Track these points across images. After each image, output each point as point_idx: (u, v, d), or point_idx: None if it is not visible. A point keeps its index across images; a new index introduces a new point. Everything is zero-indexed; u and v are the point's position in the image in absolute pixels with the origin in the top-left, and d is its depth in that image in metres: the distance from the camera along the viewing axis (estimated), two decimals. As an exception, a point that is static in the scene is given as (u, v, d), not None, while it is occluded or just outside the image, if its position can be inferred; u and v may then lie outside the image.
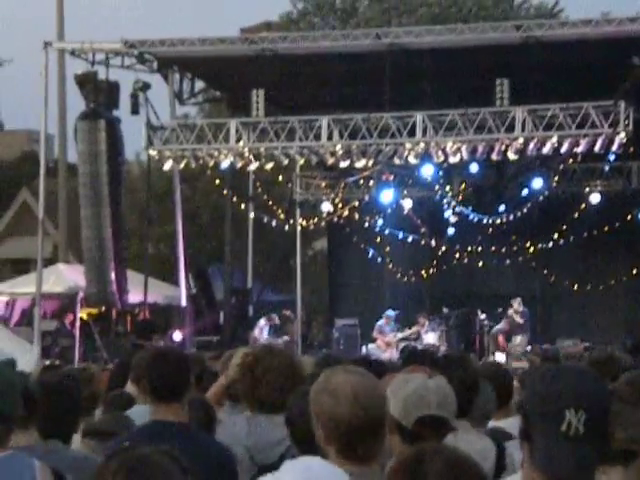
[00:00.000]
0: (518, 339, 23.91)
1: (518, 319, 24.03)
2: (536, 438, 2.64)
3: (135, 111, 24.32)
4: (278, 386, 4.79)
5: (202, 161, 24.38)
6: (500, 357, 23.52)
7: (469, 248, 28.17)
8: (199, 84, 27.50)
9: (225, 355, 6.56)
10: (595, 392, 2.68)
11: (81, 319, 23.93)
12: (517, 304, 24.25)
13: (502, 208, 27.29)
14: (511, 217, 27.17)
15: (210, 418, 5.58)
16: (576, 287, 26.97)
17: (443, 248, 28.47)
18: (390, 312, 25.29)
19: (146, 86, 24.45)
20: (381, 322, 25.25)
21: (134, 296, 24.78)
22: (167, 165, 24.76)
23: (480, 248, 27.99)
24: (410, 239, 28.64)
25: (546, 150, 22.10)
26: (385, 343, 24.64)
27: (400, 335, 25.12)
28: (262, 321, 25.27)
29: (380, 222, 29.04)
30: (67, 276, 26.85)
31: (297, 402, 3.89)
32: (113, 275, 23.47)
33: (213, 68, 25.27)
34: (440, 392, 3.65)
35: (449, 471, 2.02)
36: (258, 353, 5.00)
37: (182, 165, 24.74)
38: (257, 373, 4.86)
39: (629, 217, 26.40)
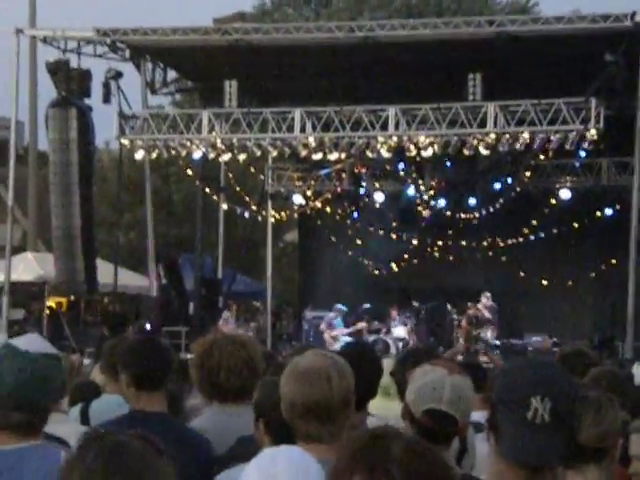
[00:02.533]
0: (488, 334, 23.96)
1: (486, 314, 24.09)
2: (503, 427, 2.67)
3: (107, 100, 24.19)
4: (232, 375, 4.77)
5: (174, 151, 24.30)
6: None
7: (440, 242, 28.26)
8: (171, 74, 27.39)
9: (192, 346, 6.54)
10: (560, 381, 2.72)
11: (49, 308, 23.81)
12: (486, 298, 24.31)
13: (473, 203, 27.40)
14: (482, 212, 27.28)
15: (178, 406, 5.56)
16: (545, 282, 27.12)
17: (414, 242, 28.54)
18: (340, 306, 25.24)
19: (118, 75, 24.30)
20: (331, 315, 25.19)
21: (104, 286, 24.67)
22: (139, 155, 24.69)
23: (451, 242, 28.09)
24: (381, 232, 28.67)
25: (517, 146, 22.19)
26: (332, 337, 24.63)
27: (346, 331, 25.09)
28: (227, 312, 25.25)
29: (352, 215, 29.08)
30: (36, 264, 26.72)
31: (269, 391, 3.89)
32: (82, 264, 23.35)
33: (186, 58, 25.16)
34: (455, 390, 3.62)
35: (412, 456, 2.01)
36: (212, 341, 4.99)
37: (154, 155, 24.65)
38: (210, 361, 4.84)
39: (598, 214, 26.57)
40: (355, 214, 29.04)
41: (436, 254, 28.37)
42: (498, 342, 23.97)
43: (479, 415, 6.05)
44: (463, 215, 27.57)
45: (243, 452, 4.10)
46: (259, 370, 4.84)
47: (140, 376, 4.66)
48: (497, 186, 26.87)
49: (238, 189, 28.87)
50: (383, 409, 4.51)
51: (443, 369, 3.67)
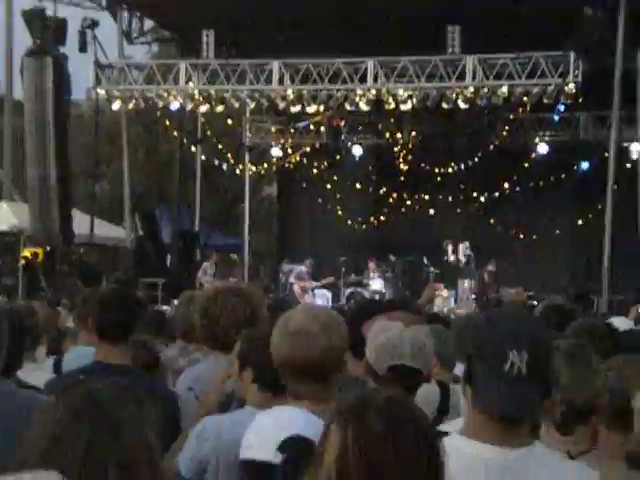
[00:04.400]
0: (465, 283, 24.04)
1: (463, 260, 24.12)
2: (479, 380, 2.68)
3: (83, 49, 23.98)
4: (231, 329, 4.78)
5: (151, 102, 24.14)
6: (438, 303, 23.73)
7: (417, 196, 28.26)
8: (148, 23, 27.14)
9: (182, 296, 6.52)
10: (537, 334, 2.73)
11: (25, 258, 23.70)
12: (463, 247, 24.32)
13: (451, 157, 27.39)
14: (460, 166, 27.28)
15: (153, 357, 5.56)
16: (522, 236, 27.22)
17: (392, 195, 28.54)
18: (310, 260, 25.39)
19: (94, 24, 24.05)
20: (301, 268, 25.29)
21: (80, 236, 24.58)
22: (115, 105, 24.51)
23: (428, 196, 28.10)
24: (359, 186, 28.65)
25: (496, 99, 22.15)
26: (301, 288, 24.75)
27: (315, 284, 25.20)
28: (206, 263, 25.22)
29: (330, 168, 29.02)
30: (11, 214, 26.55)
31: (250, 342, 3.91)
32: (58, 214, 23.23)
33: (163, 8, 24.89)
34: (415, 343, 3.65)
35: (392, 404, 2.07)
36: (217, 291, 4.99)
37: (131, 105, 24.48)
38: (212, 313, 4.84)
39: (576, 168, 26.63)
40: (332, 167, 28.95)
41: (414, 208, 28.38)
42: (474, 296, 24.06)
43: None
44: (441, 169, 27.56)
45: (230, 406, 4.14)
46: (261, 322, 4.84)
47: (102, 327, 4.66)
48: (475, 140, 26.84)
49: (216, 141, 28.74)
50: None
51: (399, 323, 3.69)
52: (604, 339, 4.75)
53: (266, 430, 2.71)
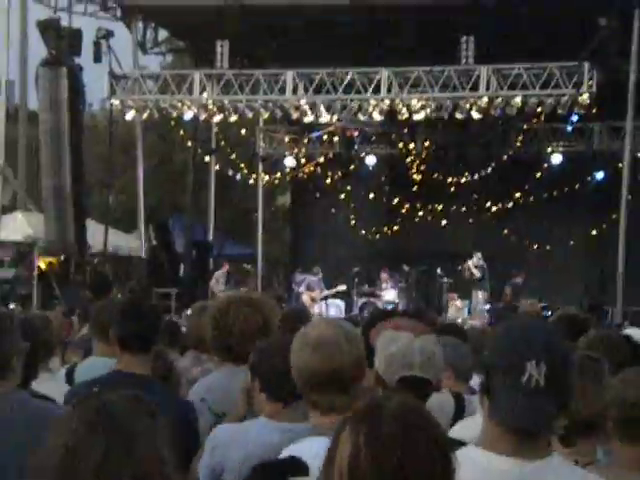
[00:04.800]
0: (479, 294, 23.98)
1: (476, 273, 24.06)
2: (496, 391, 2.66)
3: (98, 59, 24.04)
4: (243, 339, 4.78)
5: (165, 112, 24.19)
6: (451, 313, 23.69)
7: (431, 206, 28.22)
8: (163, 34, 27.23)
9: (194, 307, 6.52)
10: (556, 345, 2.71)
11: (39, 268, 23.75)
12: (477, 258, 24.26)
13: (465, 167, 27.35)
14: (474, 176, 27.24)
15: (168, 368, 5.56)
16: (535, 247, 27.15)
17: (406, 205, 28.51)
18: (317, 268, 25.38)
19: (109, 34, 24.12)
20: (310, 277, 25.28)
21: (94, 246, 24.63)
22: (129, 115, 24.57)
23: (442, 206, 28.06)
24: (372, 196, 28.63)
25: (510, 110, 22.12)
26: (310, 298, 24.73)
27: (326, 292, 25.18)
28: (219, 272, 25.23)
29: (343, 179, 29.02)
30: (26, 224, 26.60)
31: (263, 345, 3.91)
32: (72, 225, 23.29)
33: (177, 18, 24.98)
34: (425, 353, 3.64)
35: (404, 411, 2.06)
36: (229, 301, 4.98)
37: (145, 115, 24.55)
38: (224, 324, 4.84)
39: (590, 178, 26.57)
40: (346, 177, 28.95)
41: (427, 218, 28.34)
42: (488, 306, 24.01)
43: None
44: (454, 179, 27.53)
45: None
46: (273, 333, 4.83)
47: (124, 337, 4.65)
48: (489, 150, 26.81)
49: (229, 151, 28.77)
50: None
51: (408, 334, 3.67)
52: (620, 350, 4.72)
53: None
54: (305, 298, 24.82)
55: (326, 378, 3.33)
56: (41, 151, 23.68)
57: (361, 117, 23.46)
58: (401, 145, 27.78)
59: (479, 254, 24.35)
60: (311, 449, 2.80)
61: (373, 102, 22.71)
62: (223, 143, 28.98)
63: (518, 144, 27.04)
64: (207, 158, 28.20)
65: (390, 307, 23.19)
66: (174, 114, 24.29)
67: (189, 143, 27.61)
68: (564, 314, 6.46)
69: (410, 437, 2.02)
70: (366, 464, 1.99)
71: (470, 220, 27.70)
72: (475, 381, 5.60)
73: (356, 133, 28.38)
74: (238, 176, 29.35)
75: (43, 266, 23.76)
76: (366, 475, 1.99)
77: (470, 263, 24.18)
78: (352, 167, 28.86)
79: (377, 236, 28.93)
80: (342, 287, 25.30)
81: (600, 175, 26.59)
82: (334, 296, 25.34)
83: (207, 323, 5.05)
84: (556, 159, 26.71)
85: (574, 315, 6.46)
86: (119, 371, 4.64)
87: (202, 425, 4.58)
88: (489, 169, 26.85)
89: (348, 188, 28.97)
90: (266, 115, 25.13)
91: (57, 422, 2.06)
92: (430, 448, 2.02)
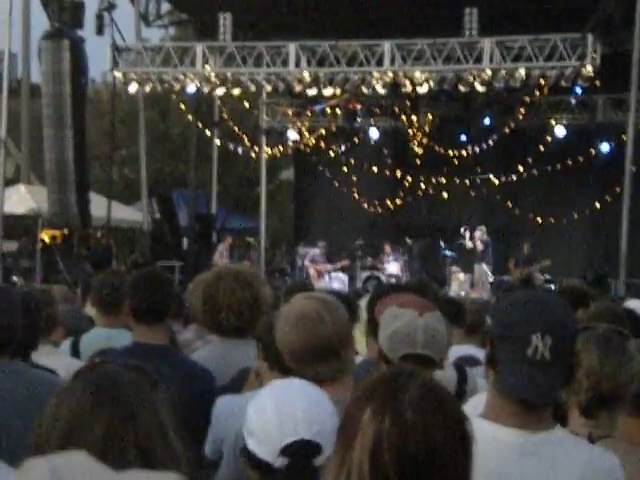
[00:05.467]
0: (483, 267, 23.96)
1: (479, 246, 24.03)
2: (502, 363, 2.67)
3: (100, 32, 23.97)
4: (232, 314, 4.79)
5: (168, 85, 24.13)
6: (454, 286, 23.69)
7: (434, 180, 28.19)
8: (165, 6, 27.13)
9: (197, 280, 6.52)
10: (562, 318, 2.71)
11: (43, 241, 23.78)
12: (480, 232, 24.24)
13: (468, 140, 27.31)
14: (477, 149, 27.20)
15: (171, 340, 5.57)
16: (539, 220, 27.15)
17: (408, 179, 28.49)
18: (323, 242, 25.40)
19: (111, 6, 24.05)
20: (315, 251, 25.31)
21: (98, 220, 24.66)
22: (132, 88, 24.52)
23: (445, 180, 28.03)
24: (376, 169, 28.61)
25: (513, 82, 22.05)
26: (316, 271, 24.75)
27: (330, 267, 25.20)
28: (221, 245, 25.23)
29: (346, 151, 28.99)
30: (29, 197, 26.65)
31: (265, 322, 3.92)
32: (75, 197, 23.30)
33: (180, -10, 24.91)
34: (428, 331, 3.64)
35: (426, 392, 2.05)
36: (218, 276, 4.98)
37: (148, 88, 24.48)
38: (213, 298, 4.85)
39: (593, 151, 26.52)
40: (349, 150, 28.93)
41: (430, 191, 28.32)
42: (491, 279, 24.02)
43: (465, 349, 6.11)
44: (457, 152, 27.49)
45: (244, 382, 4.15)
46: (263, 308, 4.83)
47: (140, 309, 4.65)
48: (492, 123, 26.76)
49: (232, 124, 28.72)
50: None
51: (413, 311, 3.67)
52: (621, 323, 4.72)
53: (269, 419, 2.64)
54: (312, 272, 24.86)
55: (308, 351, 3.37)
56: (44, 124, 23.65)
57: (364, 90, 23.39)
58: (404, 118, 27.72)
59: (483, 227, 24.32)
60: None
61: (376, 75, 22.65)
62: (225, 116, 28.92)
63: (521, 117, 26.99)
64: (209, 132, 28.12)
65: (393, 280, 23.23)
66: (176, 87, 24.22)
67: (190, 117, 27.55)
68: (567, 286, 6.47)
69: (434, 426, 2.01)
70: (389, 453, 1.98)
71: (473, 193, 27.67)
72: (477, 352, 5.61)
73: (359, 106, 28.32)
74: (240, 149, 29.32)
75: (46, 239, 23.77)
76: (389, 462, 1.98)
77: (477, 235, 24.12)
78: (355, 140, 28.83)
79: (380, 209, 28.93)
80: (346, 262, 25.33)
81: (605, 147, 26.55)
82: (338, 269, 25.37)
83: (197, 297, 5.06)
84: (560, 132, 26.67)
85: (576, 287, 6.47)
86: (139, 342, 4.65)
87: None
88: (492, 142, 26.80)
89: (351, 161, 28.95)
90: (269, 88, 25.08)
91: (59, 392, 2.07)
92: (452, 434, 2.02)
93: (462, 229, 24.55)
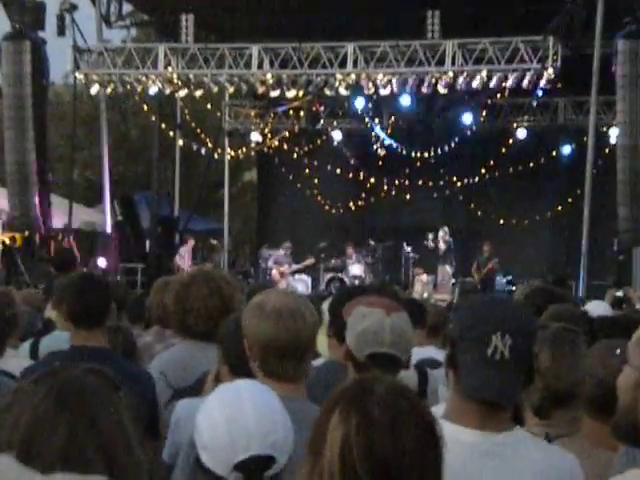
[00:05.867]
0: (446, 269, 24.04)
1: (442, 246, 24.10)
2: (462, 364, 2.68)
3: (61, 33, 23.82)
4: (201, 320, 4.78)
5: (130, 86, 24.03)
6: (417, 288, 23.75)
7: (397, 181, 28.27)
8: (127, 7, 26.99)
9: (157, 283, 6.50)
10: (521, 318, 2.73)
11: (3, 243, 23.58)
12: (443, 232, 24.30)
13: (430, 141, 27.42)
14: (439, 151, 27.30)
15: (130, 344, 5.55)
16: (502, 222, 27.29)
17: (371, 180, 28.55)
18: (288, 243, 25.36)
19: (73, 7, 23.90)
20: (279, 252, 25.30)
21: (58, 222, 24.50)
22: (94, 89, 24.40)
23: (407, 182, 28.12)
24: (338, 171, 28.64)
25: (475, 84, 22.16)
26: (279, 273, 24.74)
27: (295, 267, 25.20)
28: (183, 248, 25.14)
29: (309, 153, 29.02)
30: (-10, 200, 26.40)
31: (229, 325, 3.89)
32: (36, 199, 23.15)
33: (142, -9, 24.80)
34: (395, 330, 3.66)
35: (393, 394, 2.05)
36: (191, 279, 4.97)
37: (109, 90, 24.37)
38: (184, 302, 4.84)
39: (555, 153, 26.71)
40: (311, 152, 28.96)
41: (393, 193, 28.40)
42: (454, 280, 24.13)
43: (427, 350, 6.13)
44: (420, 154, 27.58)
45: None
46: (235, 312, 4.82)
47: (76, 313, 4.62)
48: (454, 125, 26.89)
49: (194, 126, 28.65)
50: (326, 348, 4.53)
51: (380, 310, 3.69)
52: (581, 324, 4.76)
53: (220, 435, 2.62)
54: (274, 273, 24.83)
55: (288, 347, 3.35)
56: (4, 126, 23.46)
57: (327, 92, 23.41)
58: (367, 120, 27.78)
59: (445, 228, 24.40)
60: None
61: (339, 77, 22.68)
62: (188, 118, 28.83)
63: (483, 119, 27.14)
64: (172, 133, 28.03)
65: (356, 282, 23.27)
66: (139, 88, 24.12)
67: (153, 118, 27.44)
68: (538, 286, 6.49)
69: (401, 423, 2.02)
70: (358, 452, 1.98)
71: (435, 195, 27.79)
72: (438, 353, 5.63)
73: (322, 108, 28.36)
74: (203, 151, 29.25)
75: (7, 241, 23.58)
76: (359, 462, 1.98)
77: (439, 235, 24.18)
78: (318, 142, 28.86)
79: (343, 211, 28.97)
80: (310, 261, 25.31)
81: (567, 150, 26.76)
82: (301, 271, 25.36)
83: (169, 299, 5.05)
84: (521, 134, 26.88)
85: (547, 288, 6.49)
86: (75, 346, 4.62)
87: (161, 399, 4.59)
88: (454, 144, 26.92)
89: (314, 163, 28.96)
90: (231, 89, 25.02)
91: (16, 396, 2.04)
92: (421, 432, 2.03)
93: (426, 235, 24.54)
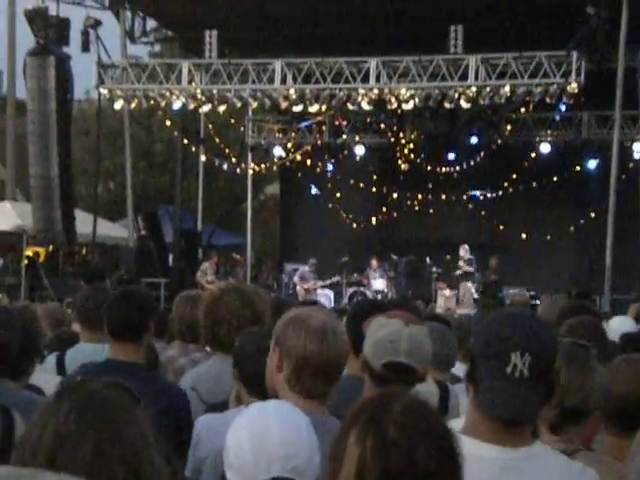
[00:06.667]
0: (468, 285, 24.01)
1: (466, 267, 24.11)
2: (481, 381, 2.67)
3: (86, 48, 23.97)
4: (233, 331, 4.78)
5: (153, 101, 24.14)
6: (440, 302, 23.71)
7: (419, 196, 28.26)
8: (151, 23, 27.14)
9: (179, 297, 6.52)
10: (541, 336, 2.71)
11: (28, 257, 23.71)
12: (464, 251, 24.29)
13: (453, 156, 27.40)
14: (462, 166, 27.27)
15: (153, 357, 5.57)
16: (524, 236, 27.20)
17: (394, 195, 28.54)
18: (313, 260, 25.31)
19: (97, 23, 24.05)
20: (304, 269, 25.26)
21: (83, 236, 24.61)
22: (118, 104, 24.52)
23: (430, 196, 28.09)
24: (361, 185, 28.65)
25: (498, 99, 22.13)
26: (305, 290, 24.69)
27: (320, 283, 25.16)
28: (205, 263, 25.14)
29: (332, 168, 29.05)
30: (14, 214, 26.59)
31: (248, 341, 3.90)
32: (60, 214, 23.25)
33: (165, 7, 24.88)
34: (413, 341, 3.65)
35: (410, 412, 2.04)
36: (222, 292, 4.99)
37: (133, 105, 24.49)
38: (216, 314, 4.85)
39: (578, 167, 26.62)
40: (334, 167, 28.99)
41: (416, 208, 28.39)
42: (476, 295, 24.05)
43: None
44: (443, 169, 27.56)
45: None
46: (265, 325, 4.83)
47: (115, 326, 4.66)
48: (477, 139, 26.85)
49: (218, 141, 28.73)
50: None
51: (399, 321, 3.69)
52: (601, 337, 4.76)
53: (244, 454, 2.65)
54: (299, 289, 24.81)
55: (326, 365, 3.35)
56: (29, 141, 23.61)
57: (350, 106, 23.44)
58: (390, 135, 27.78)
59: (465, 246, 24.35)
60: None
61: (362, 91, 22.70)
62: (211, 132, 28.92)
63: (507, 133, 27.09)
64: (194, 148, 28.11)
65: (379, 296, 23.23)
66: (162, 104, 24.23)
67: (176, 133, 27.54)
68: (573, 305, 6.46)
69: (417, 444, 1.99)
70: (373, 473, 1.97)
71: (458, 209, 27.74)
72: (459, 369, 5.63)
73: (345, 122, 28.38)
74: (225, 166, 29.32)
75: (31, 255, 23.72)
76: None
77: (461, 254, 24.12)
78: (341, 157, 28.88)
79: (365, 226, 28.96)
80: (336, 278, 25.29)
81: (592, 164, 26.65)
82: (326, 286, 25.32)
83: (195, 312, 5.07)
84: (545, 148, 26.80)
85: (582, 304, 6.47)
86: (113, 359, 4.66)
87: (193, 415, 4.59)
88: (478, 158, 26.88)
89: (337, 177, 28.98)
90: (255, 104, 25.09)
91: (43, 410, 2.06)
92: (436, 452, 2.00)
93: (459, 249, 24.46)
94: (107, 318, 4.74)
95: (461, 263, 24.12)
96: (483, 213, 27.67)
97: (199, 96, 23.73)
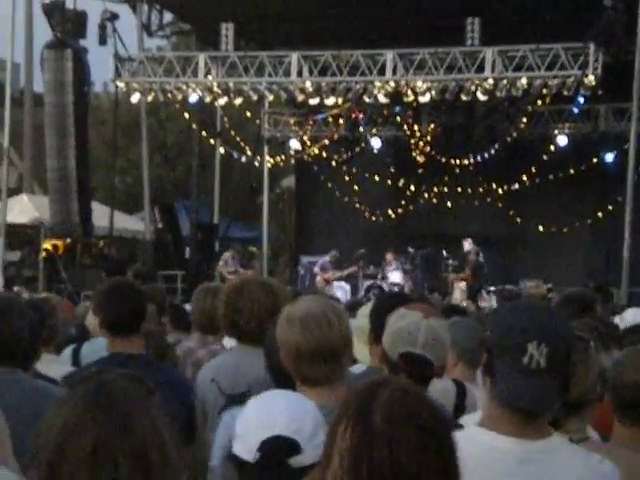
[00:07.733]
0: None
1: (471, 257, 23.88)
2: (498, 372, 2.67)
3: (103, 42, 24.03)
4: (253, 320, 4.79)
5: (170, 94, 24.17)
6: (456, 295, 23.63)
7: (436, 188, 28.21)
8: (168, 16, 27.18)
9: (198, 289, 6.53)
10: (557, 326, 2.72)
11: (45, 250, 23.79)
12: (468, 244, 24.07)
13: (470, 149, 27.33)
14: (479, 158, 27.20)
15: (162, 348, 5.59)
16: (541, 229, 27.14)
17: (411, 187, 28.51)
18: (335, 252, 25.27)
19: (114, 16, 24.11)
20: (325, 259, 25.23)
21: (100, 229, 24.68)
22: (134, 97, 24.57)
23: (447, 189, 28.05)
24: (377, 178, 28.63)
25: (515, 91, 22.08)
26: (324, 279, 24.68)
27: (338, 274, 25.14)
28: (227, 253, 25.14)
29: (348, 161, 29.02)
30: (32, 207, 26.68)
31: (271, 333, 3.93)
32: (77, 206, 23.31)
33: (182, 0, 24.92)
34: (430, 333, 3.66)
35: (396, 400, 2.02)
36: (244, 282, 5.01)
37: (150, 98, 24.54)
38: (236, 302, 4.86)
39: (595, 160, 26.52)
40: (351, 159, 28.96)
41: (432, 200, 28.35)
42: (493, 287, 24.00)
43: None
44: (459, 161, 27.50)
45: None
46: None
47: (110, 322, 4.66)
48: (494, 132, 26.77)
49: (234, 134, 28.75)
50: (366, 355, 4.53)
51: (419, 313, 3.70)
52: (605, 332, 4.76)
53: (249, 418, 2.70)
54: (318, 279, 24.81)
55: (315, 352, 3.43)
56: (46, 133, 23.68)
57: (366, 99, 23.42)
58: (406, 127, 27.74)
59: (469, 240, 24.10)
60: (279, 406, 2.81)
61: (378, 84, 22.67)
62: (227, 125, 28.94)
63: (523, 126, 27.01)
64: (212, 141, 28.15)
65: (395, 289, 23.20)
66: (179, 97, 24.26)
67: (194, 125, 27.58)
68: (571, 293, 6.46)
69: (398, 432, 1.96)
70: (358, 463, 1.95)
71: (475, 202, 27.68)
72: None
73: (361, 115, 28.35)
74: (243, 159, 29.34)
75: (49, 248, 23.78)
76: (364, 473, 1.95)
77: (466, 248, 23.96)
78: (357, 149, 28.86)
79: (382, 218, 28.93)
80: (354, 269, 25.24)
81: (610, 157, 26.54)
82: (342, 278, 25.31)
83: (220, 301, 5.09)
84: (562, 141, 26.70)
85: (581, 293, 6.46)
86: (115, 353, 4.66)
87: (212, 406, 4.60)
88: (494, 151, 26.81)
89: (353, 170, 28.96)
90: (271, 97, 25.10)
91: (56, 403, 2.08)
92: (423, 439, 1.97)
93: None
94: (102, 314, 4.73)
95: (469, 257, 23.85)
96: (500, 205, 27.59)
97: (215, 89, 23.75)
